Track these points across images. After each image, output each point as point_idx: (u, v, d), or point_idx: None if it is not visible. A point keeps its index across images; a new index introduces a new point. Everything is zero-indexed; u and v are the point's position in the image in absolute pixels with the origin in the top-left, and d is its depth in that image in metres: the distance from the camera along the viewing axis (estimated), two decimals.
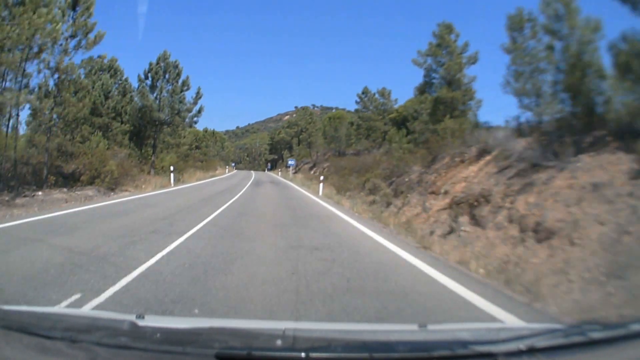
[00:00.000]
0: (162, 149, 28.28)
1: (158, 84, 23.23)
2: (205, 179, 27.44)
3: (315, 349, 1.22)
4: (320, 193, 16.62)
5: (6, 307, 1.70)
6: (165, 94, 23.42)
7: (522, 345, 1.26)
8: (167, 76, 23.39)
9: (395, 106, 32.83)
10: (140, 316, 1.60)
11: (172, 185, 18.76)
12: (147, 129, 23.80)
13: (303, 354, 1.17)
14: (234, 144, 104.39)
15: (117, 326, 1.42)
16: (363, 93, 35.80)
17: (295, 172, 38.95)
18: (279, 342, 1.30)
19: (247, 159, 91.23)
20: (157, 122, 23.23)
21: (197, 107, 24.77)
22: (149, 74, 23.28)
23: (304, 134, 54.63)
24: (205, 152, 49.55)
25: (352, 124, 37.80)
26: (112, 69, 23.24)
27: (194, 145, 44.95)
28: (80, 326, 1.43)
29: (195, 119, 24.99)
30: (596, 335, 1.37)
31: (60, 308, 2.97)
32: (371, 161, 20.05)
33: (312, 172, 36.29)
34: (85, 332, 1.33)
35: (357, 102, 36.36)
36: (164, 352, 1.22)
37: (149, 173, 21.24)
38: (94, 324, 1.47)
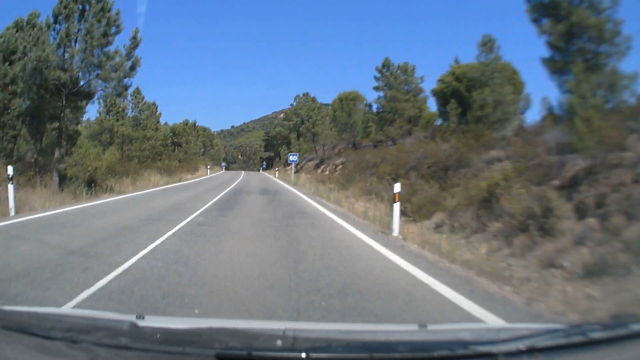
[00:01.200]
0: (120, 143, 22.15)
1: (74, 27, 13.87)
2: (158, 187, 19.85)
3: (316, 349, 1.22)
4: (396, 232, 7.13)
5: (6, 308, 1.71)
6: (82, 42, 13.78)
7: (522, 345, 1.26)
8: (85, 15, 14.02)
9: (422, 85, 26.60)
10: (140, 316, 1.60)
11: (12, 212, 9.02)
12: (49, 104, 14.23)
13: (303, 354, 1.18)
14: (229, 143, 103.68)
15: (117, 326, 1.43)
16: (384, 66, 27.73)
17: (296, 172, 32.20)
18: (279, 342, 1.30)
19: (241, 158, 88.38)
20: (61, 88, 13.78)
21: (129, 63, 14.47)
22: (59, 15, 13.94)
23: (306, 124, 45.11)
24: (186, 150, 45.09)
25: (369, 106, 30.27)
26: (31, 26, 15.52)
27: (168, 141, 39.39)
28: (80, 326, 1.43)
29: (126, 80, 14.64)
30: (596, 335, 1.38)
31: (60, 308, 2.98)
32: (451, 150, 11.49)
33: (319, 171, 29.23)
34: (85, 332, 1.34)
35: (376, 79, 28.08)
36: (164, 352, 1.22)
37: (45, 184, 12.22)
38: (94, 325, 1.48)
